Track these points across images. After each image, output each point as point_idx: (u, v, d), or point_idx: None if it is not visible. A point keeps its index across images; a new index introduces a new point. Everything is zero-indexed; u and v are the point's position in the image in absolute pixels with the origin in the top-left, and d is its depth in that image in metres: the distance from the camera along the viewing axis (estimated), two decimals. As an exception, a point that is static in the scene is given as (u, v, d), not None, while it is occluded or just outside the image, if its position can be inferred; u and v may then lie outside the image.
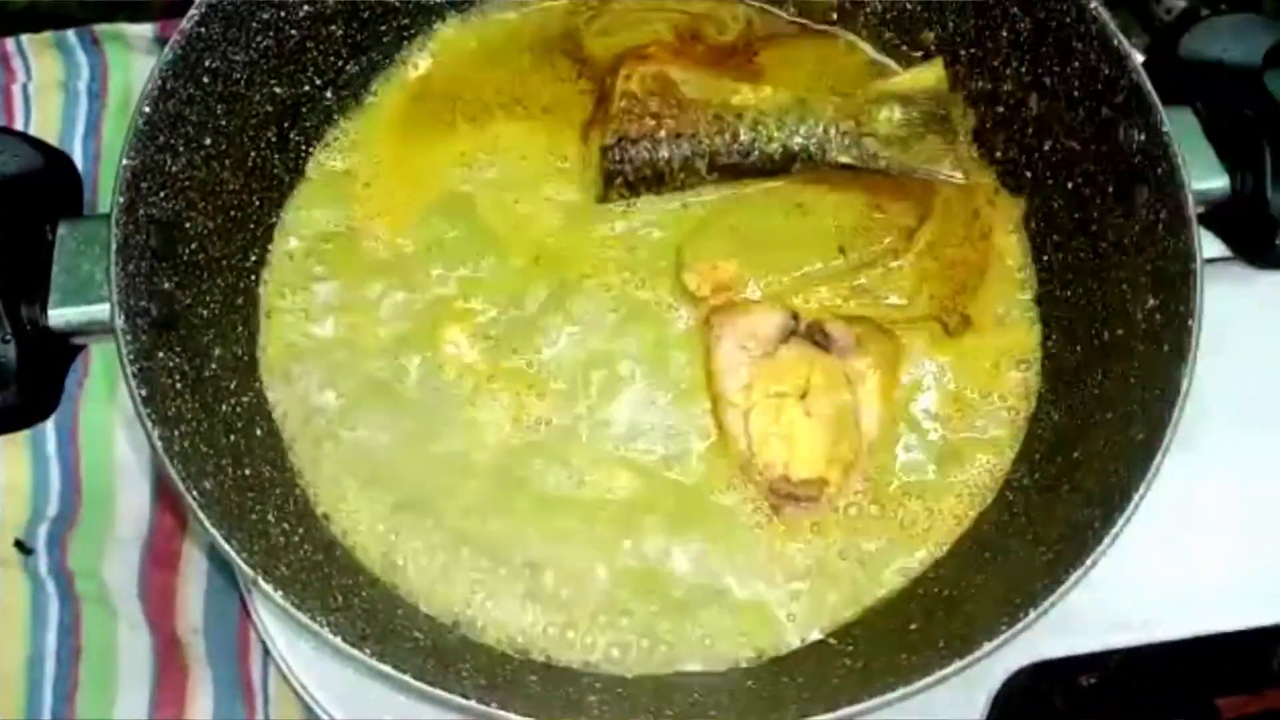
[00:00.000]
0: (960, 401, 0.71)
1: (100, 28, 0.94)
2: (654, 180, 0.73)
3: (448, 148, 0.75)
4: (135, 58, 0.94)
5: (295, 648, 0.72)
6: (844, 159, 0.72)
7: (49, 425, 0.85)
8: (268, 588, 0.56)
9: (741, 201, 0.74)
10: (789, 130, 0.72)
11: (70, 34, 0.94)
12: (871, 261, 0.73)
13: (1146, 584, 0.74)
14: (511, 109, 0.77)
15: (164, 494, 0.83)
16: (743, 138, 0.72)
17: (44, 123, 0.92)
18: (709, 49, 0.78)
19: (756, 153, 0.72)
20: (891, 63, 0.79)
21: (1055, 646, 0.73)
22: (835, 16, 0.80)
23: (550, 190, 0.74)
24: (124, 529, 0.83)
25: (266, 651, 0.75)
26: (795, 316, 0.71)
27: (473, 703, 0.55)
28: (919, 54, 0.79)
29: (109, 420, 0.85)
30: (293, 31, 0.71)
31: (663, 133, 0.71)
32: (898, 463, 0.70)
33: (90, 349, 0.87)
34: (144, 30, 0.95)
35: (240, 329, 0.69)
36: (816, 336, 0.70)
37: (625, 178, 0.72)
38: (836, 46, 0.80)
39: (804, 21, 0.80)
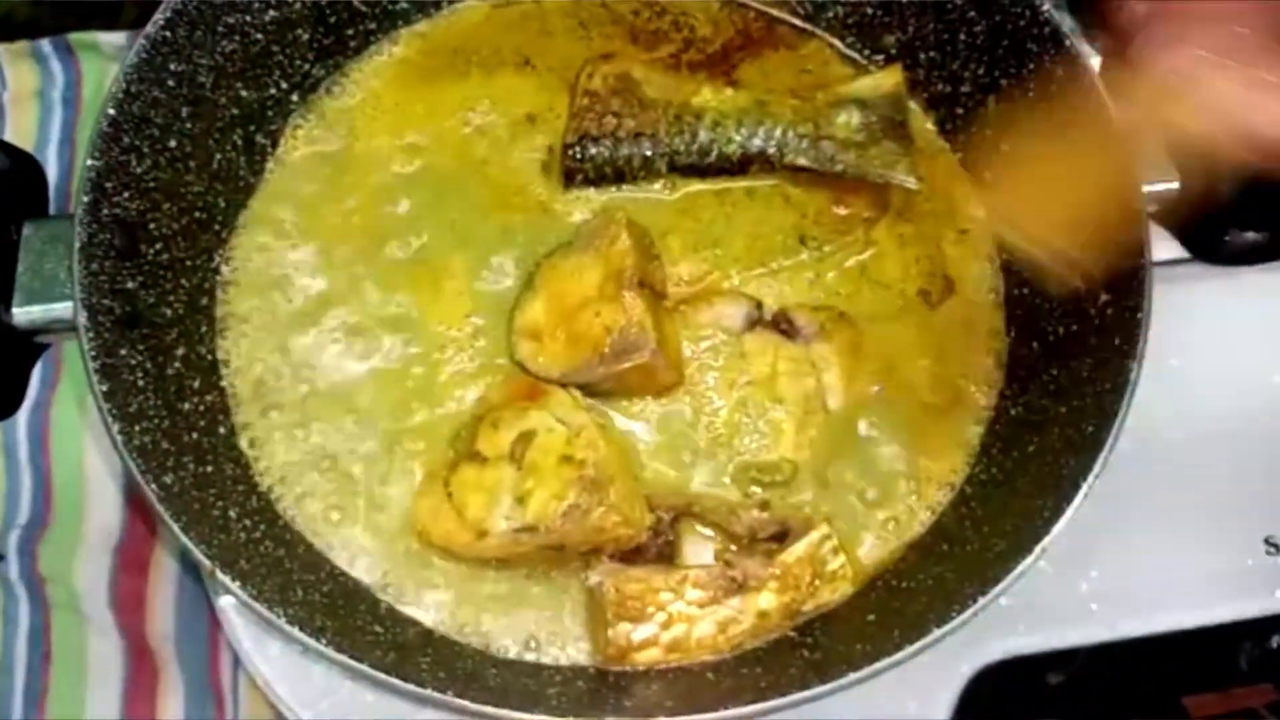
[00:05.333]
0: (933, 394, 0.72)
1: (74, 37, 0.95)
2: (614, 177, 0.74)
3: (455, 92, 0.77)
4: (109, 66, 0.95)
5: (264, 652, 0.71)
6: (802, 161, 0.73)
7: (21, 432, 0.85)
8: (225, 579, 0.57)
9: (703, 197, 0.75)
10: (748, 132, 0.73)
11: (45, 43, 0.95)
12: (835, 253, 0.74)
13: (1114, 581, 0.75)
14: (521, 67, 0.78)
15: (135, 500, 0.84)
16: (702, 138, 0.73)
17: (19, 131, 0.93)
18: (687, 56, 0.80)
19: (715, 153, 0.73)
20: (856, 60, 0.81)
21: (1022, 644, 0.74)
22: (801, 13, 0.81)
23: (541, 140, 0.76)
24: (95, 535, 0.83)
25: (237, 657, 0.75)
26: (759, 306, 0.72)
27: (431, 693, 0.56)
28: (880, 57, 0.80)
29: (80, 427, 0.85)
30: (258, 36, 0.72)
31: (623, 131, 0.72)
32: (865, 455, 0.71)
33: (63, 359, 0.87)
34: (118, 39, 0.96)
35: (204, 329, 0.70)
36: (781, 324, 0.71)
37: (586, 174, 0.73)
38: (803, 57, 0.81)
39: (774, 13, 0.81)
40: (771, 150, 0.73)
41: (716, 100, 0.74)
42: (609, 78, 0.74)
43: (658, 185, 0.74)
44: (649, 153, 0.73)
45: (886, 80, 0.75)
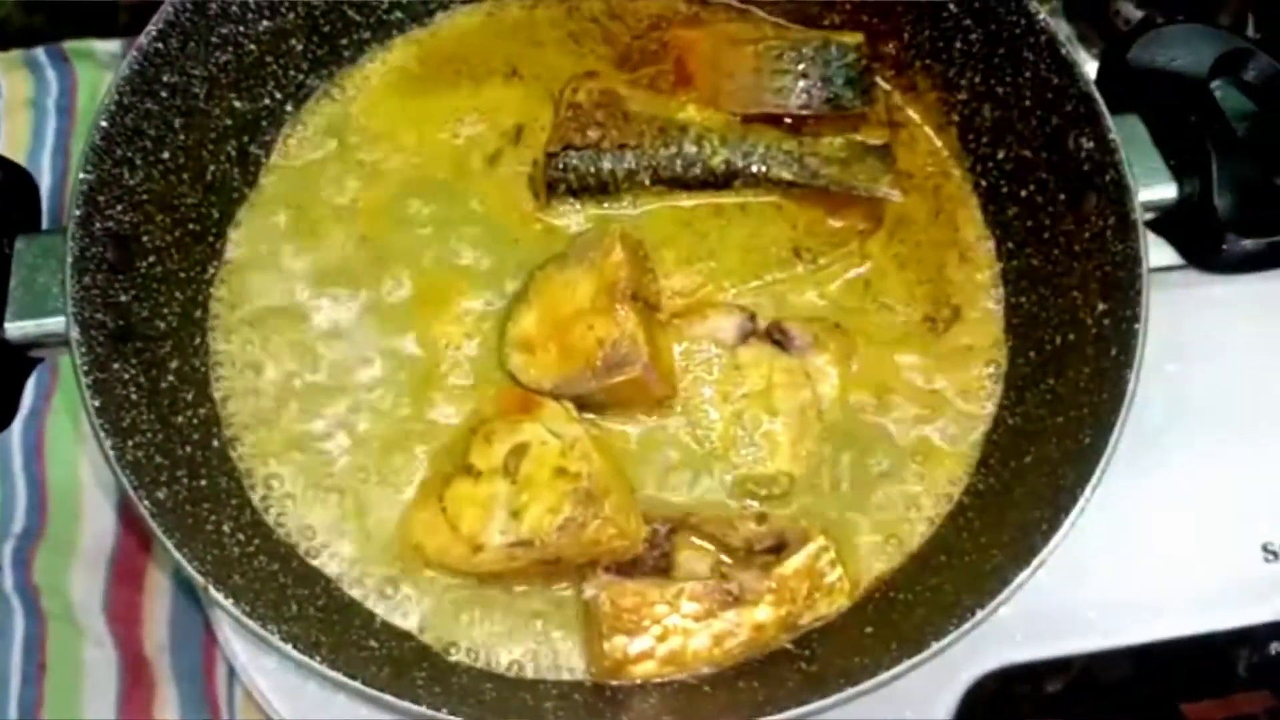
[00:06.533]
0: (932, 405, 0.72)
1: (69, 45, 0.95)
2: (597, 189, 0.73)
3: (445, 102, 0.76)
4: (104, 74, 0.95)
5: (259, 664, 0.72)
6: (786, 175, 0.74)
7: (15, 443, 0.85)
8: (218, 596, 0.57)
9: (698, 210, 0.75)
10: (732, 147, 0.73)
11: (40, 51, 0.95)
12: (830, 266, 0.74)
13: (1112, 589, 0.75)
14: (509, 77, 0.78)
15: (129, 511, 0.83)
16: (687, 151, 0.73)
17: (13, 139, 0.93)
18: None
19: (699, 166, 0.73)
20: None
21: (1021, 652, 0.74)
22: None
23: (528, 154, 0.75)
24: (89, 546, 0.83)
25: (232, 669, 0.75)
26: (753, 317, 0.71)
27: (424, 709, 0.55)
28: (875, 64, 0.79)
29: (74, 438, 0.85)
30: (252, 47, 0.72)
31: (607, 143, 0.72)
32: (862, 467, 0.71)
33: (58, 369, 0.87)
34: (112, 46, 0.96)
35: (198, 341, 0.69)
36: (775, 336, 0.71)
37: (568, 184, 0.73)
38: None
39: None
40: (755, 165, 0.73)
41: (701, 117, 0.74)
42: (593, 92, 0.73)
43: (651, 198, 0.74)
44: (632, 165, 0.73)
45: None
